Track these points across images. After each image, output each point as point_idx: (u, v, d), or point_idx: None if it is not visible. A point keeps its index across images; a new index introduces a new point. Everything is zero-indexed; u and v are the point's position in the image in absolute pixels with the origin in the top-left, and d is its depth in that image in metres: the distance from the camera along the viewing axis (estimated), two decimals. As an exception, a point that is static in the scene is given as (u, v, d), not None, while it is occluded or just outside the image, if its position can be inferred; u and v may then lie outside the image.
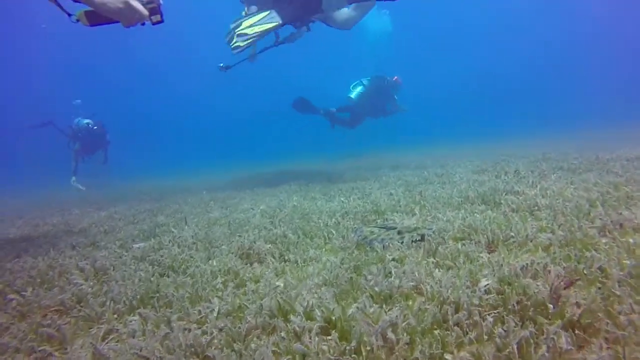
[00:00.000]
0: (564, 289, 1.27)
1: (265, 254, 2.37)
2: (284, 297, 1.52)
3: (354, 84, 11.22)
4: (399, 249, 2.12)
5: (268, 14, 5.50)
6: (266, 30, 5.42)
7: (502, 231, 2.25)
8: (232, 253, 2.40)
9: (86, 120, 10.64)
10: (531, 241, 2.08)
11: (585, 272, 1.54)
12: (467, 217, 2.72)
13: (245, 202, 5.04)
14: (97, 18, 2.45)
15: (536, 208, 2.70)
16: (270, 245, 2.46)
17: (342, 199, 4.19)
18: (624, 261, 1.64)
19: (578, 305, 1.23)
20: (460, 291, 1.44)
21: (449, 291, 1.44)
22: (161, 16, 2.55)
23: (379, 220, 3.03)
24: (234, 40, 5.43)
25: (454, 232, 2.34)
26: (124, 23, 2.47)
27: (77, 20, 2.48)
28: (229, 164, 17.17)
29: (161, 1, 2.57)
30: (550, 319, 1.19)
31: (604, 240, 1.98)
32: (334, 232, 2.67)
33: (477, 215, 2.69)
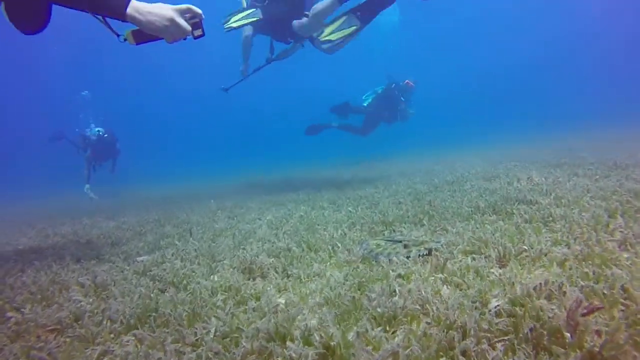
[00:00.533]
0: (584, 315, 1.17)
1: (268, 269, 2.31)
2: (282, 319, 1.45)
3: (366, 94, 11.41)
4: (404, 264, 2.04)
5: (253, 11, 5.67)
6: (247, 22, 5.59)
7: (514, 244, 2.14)
8: (234, 268, 2.34)
9: (98, 129, 10.69)
10: (545, 255, 1.97)
11: (605, 292, 1.44)
12: (477, 228, 2.62)
13: (253, 211, 5.00)
14: (143, 36, 2.49)
15: (550, 219, 2.58)
16: (273, 259, 2.40)
17: (349, 208, 4.11)
18: (648, 280, 1.53)
19: (599, 333, 1.13)
20: (468, 313, 1.35)
21: (456, 314, 1.36)
22: (202, 30, 2.57)
23: (386, 232, 2.94)
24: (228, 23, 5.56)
25: (463, 246, 2.24)
26: (168, 39, 2.50)
27: (125, 40, 2.53)
28: (239, 168, 17.26)
29: (203, 15, 2.59)
30: (567, 349, 1.10)
31: (625, 255, 1.86)
32: (339, 244, 2.59)
33: (488, 227, 2.59)
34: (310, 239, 2.76)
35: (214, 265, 2.46)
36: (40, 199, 12.43)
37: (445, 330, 1.29)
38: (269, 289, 2.03)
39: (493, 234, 2.34)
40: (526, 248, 2.06)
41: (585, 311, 1.17)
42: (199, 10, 2.55)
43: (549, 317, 1.22)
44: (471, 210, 3.14)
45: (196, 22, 2.55)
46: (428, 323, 1.37)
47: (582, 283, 1.55)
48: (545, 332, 1.16)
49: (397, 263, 2.07)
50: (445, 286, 1.78)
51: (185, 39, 2.61)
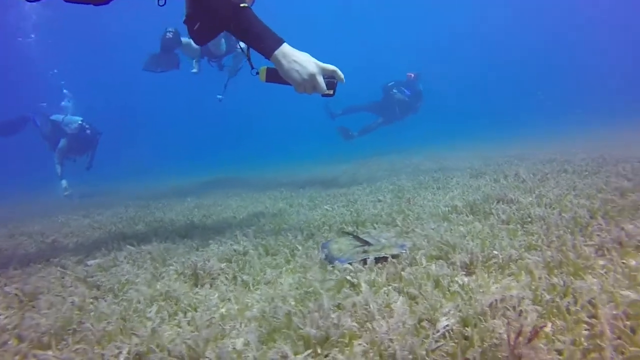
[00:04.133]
0: (530, 340, 0.98)
1: (219, 274, 2.12)
2: (196, 341, 1.26)
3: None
4: (360, 271, 1.85)
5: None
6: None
7: (485, 249, 1.96)
8: (180, 274, 2.15)
9: (78, 118, 8.87)
10: (515, 262, 1.79)
11: (570, 308, 1.25)
12: (450, 230, 2.43)
13: (231, 209, 4.81)
14: (276, 78, 2.43)
15: (529, 220, 2.39)
16: (224, 265, 2.21)
17: (326, 207, 3.92)
18: (620, 292, 1.35)
19: (549, 365, 0.94)
20: (410, 337, 1.16)
21: (396, 336, 1.17)
22: (334, 92, 2.43)
23: (355, 233, 2.75)
24: None
25: (429, 250, 2.05)
26: (298, 90, 2.39)
27: (256, 74, 2.50)
28: (234, 164, 17.03)
29: (344, 81, 2.42)
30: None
31: (600, 262, 1.67)
32: (299, 247, 2.40)
33: (462, 228, 2.39)
34: (270, 242, 2.57)
35: (162, 270, 2.26)
36: (22, 196, 12.03)
37: (379, 356, 1.10)
38: (212, 298, 1.84)
39: (463, 237, 2.15)
40: (496, 253, 1.87)
41: (530, 337, 0.98)
42: (342, 76, 2.38)
43: (495, 344, 1.03)
44: (448, 210, 2.94)
45: (332, 82, 2.40)
46: (364, 347, 1.18)
47: (547, 296, 1.36)
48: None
49: (353, 269, 1.88)
50: (400, 298, 1.60)
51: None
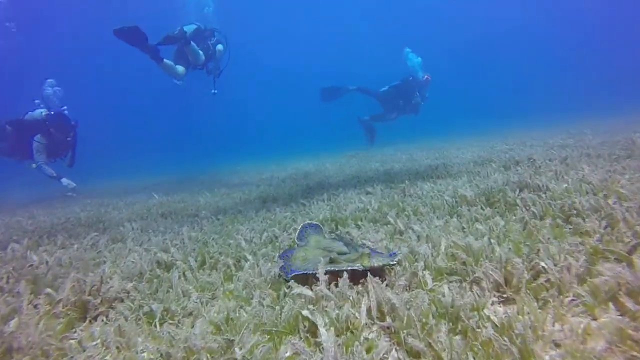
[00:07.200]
0: None
1: (123, 299, 1.39)
2: None
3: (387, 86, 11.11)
4: (325, 300, 1.13)
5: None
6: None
7: (523, 258, 1.26)
8: (65, 301, 1.41)
9: (41, 110, 7.67)
10: (584, 283, 1.09)
11: None
12: (462, 229, 1.72)
13: (196, 207, 4.06)
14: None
15: (574, 212, 1.69)
16: (133, 284, 1.48)
17: (302, 201, 3.20)
18: None
19: None
20: None
21: None
22: None
23: (334, 234, 2.04)
24: None
25: (435, 260, 1.34)
26: None
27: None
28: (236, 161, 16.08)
29: None
30: None
31: None
32: (249, 257, 1.68)
33: (480, 226, 1.69)
34: (212, 249, 1.84)
35: (44, 297, 1.52)
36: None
37: None
38: (91, 345, 1.12)
39: (487, 240, 1.44)
40: (545, 266, 1.16)
41: None
42: None
43: None
44: (455, 201, 2.24)
45: None
46: None
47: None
48: None
49: (311, 299, 1.16)
50: (392, 353, 0.89)
51: None
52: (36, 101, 8.34)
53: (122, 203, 5.29)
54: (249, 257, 1.66)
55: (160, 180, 10.01)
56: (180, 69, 6.78)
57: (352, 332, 0.98)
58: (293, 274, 1.33)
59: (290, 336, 0.99)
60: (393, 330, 0.99)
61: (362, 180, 4.03)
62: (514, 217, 1.80)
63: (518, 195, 2.10)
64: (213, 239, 2.09)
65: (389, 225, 2.03)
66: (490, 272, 1.15)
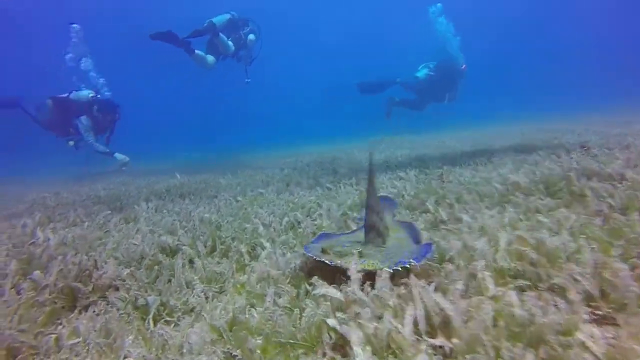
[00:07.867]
0: None
1: (118, 287, 1.20)
2: None
3: (422, 65, 10.33)
4: (359, 304, 0.88)
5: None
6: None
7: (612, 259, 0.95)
8: (51, 287, 1.23)
9: (88, 92, 7.76)
10: None
11: None
12: (521, 221, 1.42)
13: (216, 188, 3.89)
14: None
15: (666, 206, 1.35)
16: (130, 271, 1.28)
17: (328, 185, 2.95)
18: None
19: None
20: None
21: None
22: None
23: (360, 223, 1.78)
24: None
25: (494, 260, 1.06)
26: None
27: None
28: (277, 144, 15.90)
29: None
30: None
31: None
32: (267, 245, 1.45)
33: (543, 219, 1.39)
34: (225, 233, 1.62)
35: (29, 282, 1.35)
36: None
37: None
38: (70, 344, 0.92)
39: (555, 236, 1.15)
40: (652, 274, 0.86)
41: None
42: None
43: None
44: (506, 189, 1.93)
45: None
46: None
47: None
48: None
49: (346, 297, 0.91)
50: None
51: None
52: (82, 86, 8.42)
53: (144, 182, 5.22)
54: (266, 245, 1.44)
55: (187, 163, 10.01)
56: (210, 58, 7.01)
57: (394, 353, 0.72)
58: (310, 253, 1.10)
59: (310, 353, 0.75)
60: (449, 353, 0.73)
61: (393, 166, 3.73)
62: (584, 208, 1.48)
63: (586, 184, 1.76)
64: (227, 222, 1.88)
65: (428, 214, 1.75)
66: (579, 278, 0.87)
